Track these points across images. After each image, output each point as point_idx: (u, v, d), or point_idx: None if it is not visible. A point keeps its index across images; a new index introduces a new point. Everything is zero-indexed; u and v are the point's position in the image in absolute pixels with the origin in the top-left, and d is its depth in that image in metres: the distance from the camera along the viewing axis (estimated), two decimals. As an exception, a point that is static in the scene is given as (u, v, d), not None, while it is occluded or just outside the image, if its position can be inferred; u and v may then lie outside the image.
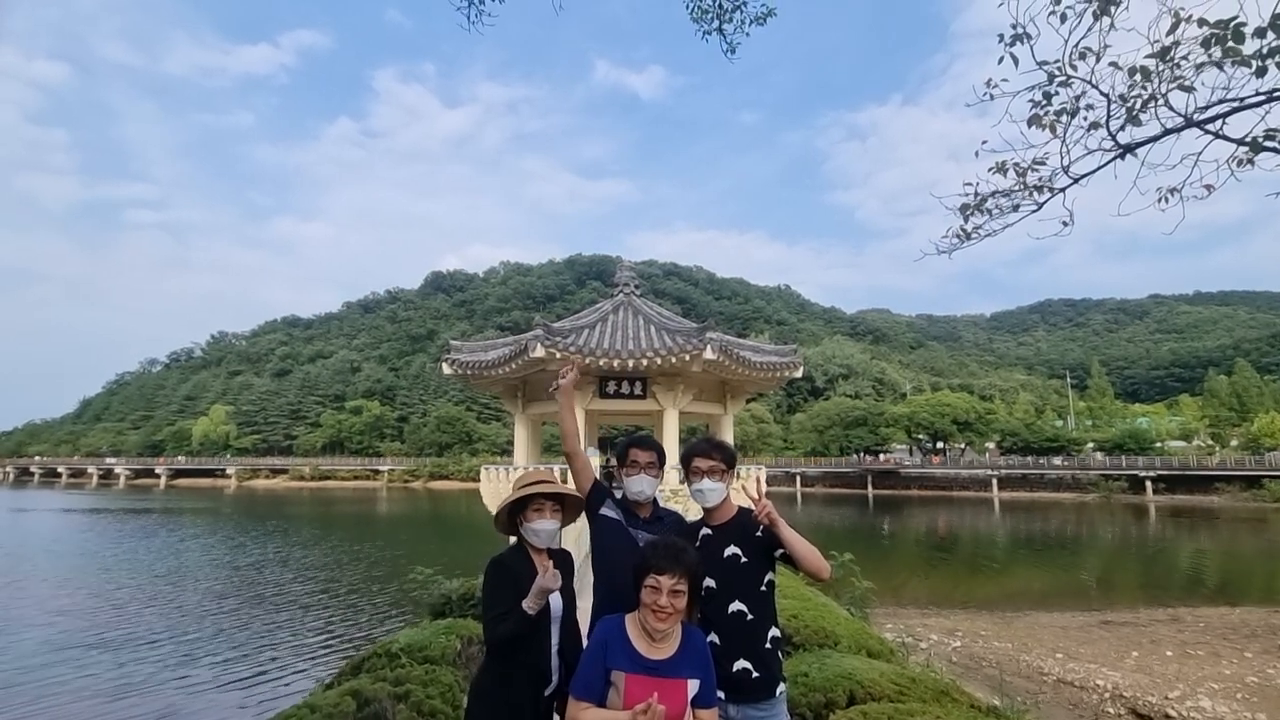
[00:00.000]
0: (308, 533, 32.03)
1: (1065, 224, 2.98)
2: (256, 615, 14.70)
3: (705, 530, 2.56)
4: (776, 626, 2.50)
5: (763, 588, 2.46)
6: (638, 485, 2.64)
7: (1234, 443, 60.16)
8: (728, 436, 16.60)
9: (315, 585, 18.44)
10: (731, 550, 2.44)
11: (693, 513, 10.21)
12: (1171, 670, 8.97)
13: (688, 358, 13.12)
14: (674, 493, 12.41)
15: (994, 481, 58.30)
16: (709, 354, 13.00)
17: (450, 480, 76.56)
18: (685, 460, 2.63)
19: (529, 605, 2.19)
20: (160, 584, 18.45)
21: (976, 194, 2.84)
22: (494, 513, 2.57)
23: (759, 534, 2.43)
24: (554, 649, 2.37)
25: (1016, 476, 59.23)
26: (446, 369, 15.29)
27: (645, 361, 13.13)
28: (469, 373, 15.09)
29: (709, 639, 2.27)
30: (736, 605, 2.39)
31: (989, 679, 7.76)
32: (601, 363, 13.13)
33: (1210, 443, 63.72)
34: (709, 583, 2.34)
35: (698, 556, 2.16)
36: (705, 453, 2.57)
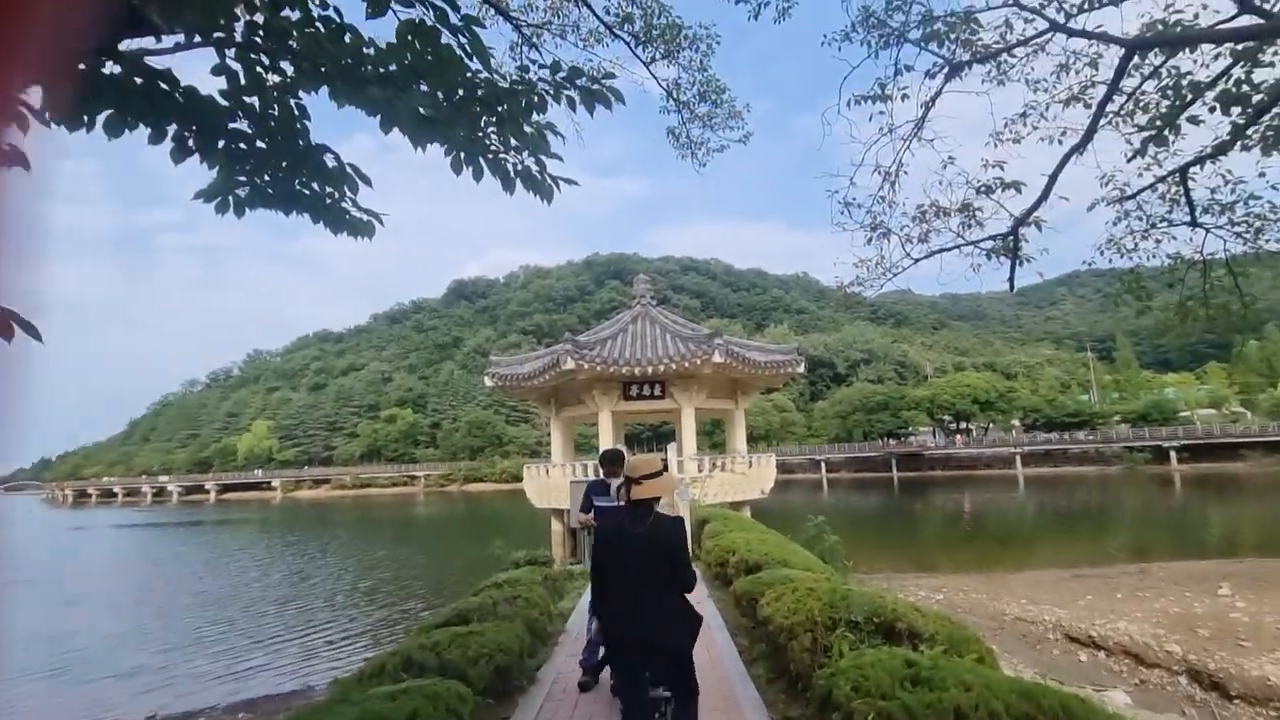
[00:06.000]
0: (379, 537, 34.29)
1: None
2: (372, 601, 16.83)
3: None
4: None
5: None
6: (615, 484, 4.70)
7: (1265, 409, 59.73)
8: (740, 430, 18.43)
9: (418, 571, 21.15)
10: None
11: (709, 497, 12.51)
12: (1114, 607, 10.52)
13: (699, 361, 14.98)
14: (693, 480, 14.29)
15: (1017, 459, 58.86)
16: (717, 357, 14.84)
17: (484, 482, 79.14)
18: None
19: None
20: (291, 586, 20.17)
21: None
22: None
23: None
24: None
25: (1040, 453, 59.77)
26: (489, 381, 17.36)
27: (662, 367, 15.02)
28: (508, 384, 17.14)
29: None
30: None
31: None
32: (624, 370, 15.04)
33: (1241, 409, 63.37)
34: None
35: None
36: None
